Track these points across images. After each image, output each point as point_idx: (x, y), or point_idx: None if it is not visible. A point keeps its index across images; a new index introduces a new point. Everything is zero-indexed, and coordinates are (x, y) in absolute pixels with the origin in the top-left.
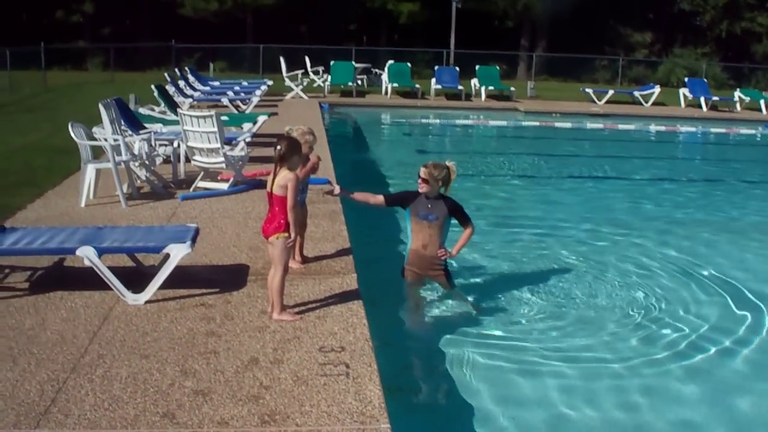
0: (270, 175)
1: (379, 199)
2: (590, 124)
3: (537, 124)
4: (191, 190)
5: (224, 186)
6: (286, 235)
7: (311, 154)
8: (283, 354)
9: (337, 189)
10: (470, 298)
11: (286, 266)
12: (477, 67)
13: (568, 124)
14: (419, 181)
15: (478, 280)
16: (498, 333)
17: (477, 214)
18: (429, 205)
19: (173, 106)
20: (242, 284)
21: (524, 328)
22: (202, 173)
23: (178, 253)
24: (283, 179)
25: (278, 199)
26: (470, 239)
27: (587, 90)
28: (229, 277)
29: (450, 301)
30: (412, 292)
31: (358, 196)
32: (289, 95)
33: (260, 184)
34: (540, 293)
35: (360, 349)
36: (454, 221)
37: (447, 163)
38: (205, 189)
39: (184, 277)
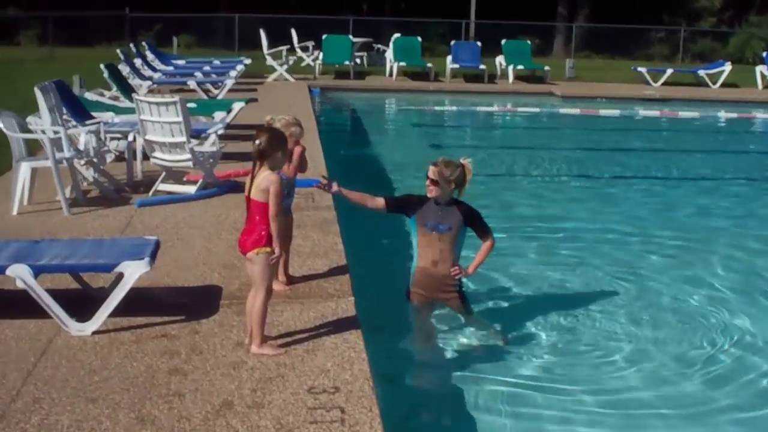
0: (248, 175)
1: (379, 202)
2: (643, 112)
3: (577, 111)
4: (150, 194)
5: (191, 189)
6: (269, 249)
7: (296, 146)
8: (263, 396)
9: (334, 186)
10: (493, 327)
11: (269, 288)
12: (503, 41)
13: (615, 112)
14: (427, 182)
15: (502, 303)
16: (528, 371)
17: (502, 223)
18: (439, 213)
19: (128, 90)
20: (213, 310)
21: (561, 364)
22: (163, 173)
23: (133, 273)
24: (264, 181)
25: (258, 205)
26: (490, 254)
27: (640, 69)
28: (198, 302)
29: (467, 330)
30: (421, 320)
31: (354, 196)
32: (272, 77)
33: (236, 187)
34: (580, 321)
35: (358, 390)
36: (470, 232)
37: (461, 160)
38: (168, 193)
39: (141, 302)
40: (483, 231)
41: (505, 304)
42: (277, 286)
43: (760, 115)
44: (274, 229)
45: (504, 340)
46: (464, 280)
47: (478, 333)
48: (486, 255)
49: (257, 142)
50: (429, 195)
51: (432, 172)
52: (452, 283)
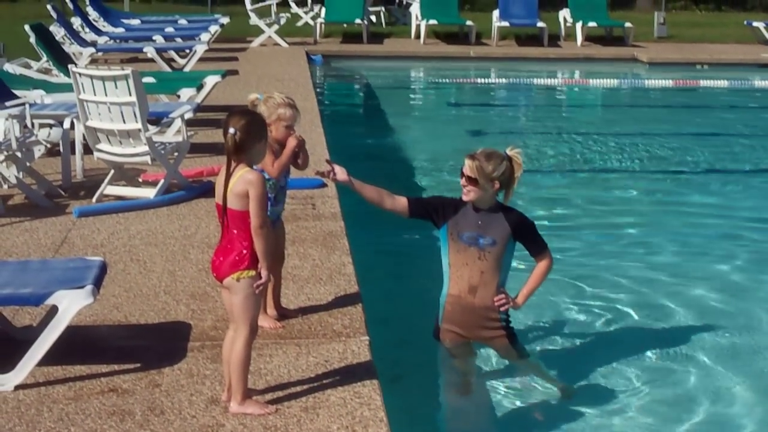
0: (219, 176)
1: (400, 202)
2: (761, 83)
3: (670, 83)
4: (94, 200)
5: (149, 193)
6: (253, 273)
7: (289, 136)
8: None
9: (340, 173)
10: (554, 374)
11: (254, 325)
12: None
13: (722, 83)
14: (462, 181)
15: (568, 343)
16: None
17: (567, 234)
18: (480, 222)
19: (63, 60)
20: (179, 356)
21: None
22: (111, 172)
23: (71, 306)
24: (242, 183)
25: (236, 216)
26: (546, 278)
27: (756, 24)
28: (158, 345)
29: (520, 379)
30: (455, 367)
31: (369, 190)
32: (257, 41)
33: (209, 190)
34: (674, 364)
35: None
36: (519, 248)
37: (507, 151)
38: (118, 198)
39: (81, 345)
40: (538, 247)
41: (572, 344)
42: (265, 322)
43: None
44: (259, 246)
45: (568, 393)
46: (512, 312)
47: (533, 381)
48: (542, 280)
49: (231, 131)
50: (465, 198)
51: (468, 167)
52: (496, 317)
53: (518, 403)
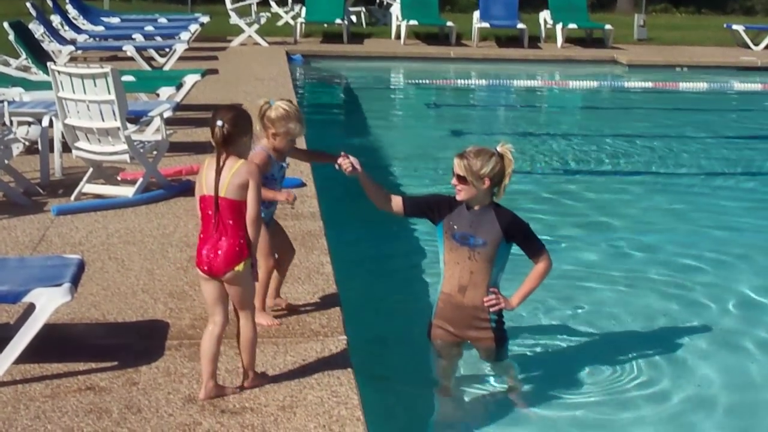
0: (203, 169)
1: (396, 202)
2: (740, 85)
3: (650, 85)
4: (72, 198)
5: (128, 192)
6: (250, 261)
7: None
8: None
9: (348, 164)
10: (519, 384)
11: (255, 307)
12: None
13: (702, 85)
14: (453, 180)
15: (549, 347)
16: None
17: (549, 235)
18: (472, 221)
19: (42, 58)
20: (156, 354)
21: None
22: (90, 171)
23: (49, 303)
24: (243, 173)
25: (234, 206)
26: (543, 279)
27: (735, 27)
28: (136, 343)
29: (495, 383)
30: (443, 365)
31: (373, 187)
32: (237, 40)
33: (189, 189)
34: (655, 378)
35: None
36: (515, 249)
37: (498, 147)
38: (96, 197)
39: (59, 343)
40: (533, 248)
41: (545, 348)
42: (263, 320)
43: None
44: (254, 234)
45: (523, 404)
46: (505, 313)
47: (507, 386)
48: (538, 282)
49: (219, 123)
50: (457, 197)
51: (458, 166)
52: (486, 317)
53: (497, 408)
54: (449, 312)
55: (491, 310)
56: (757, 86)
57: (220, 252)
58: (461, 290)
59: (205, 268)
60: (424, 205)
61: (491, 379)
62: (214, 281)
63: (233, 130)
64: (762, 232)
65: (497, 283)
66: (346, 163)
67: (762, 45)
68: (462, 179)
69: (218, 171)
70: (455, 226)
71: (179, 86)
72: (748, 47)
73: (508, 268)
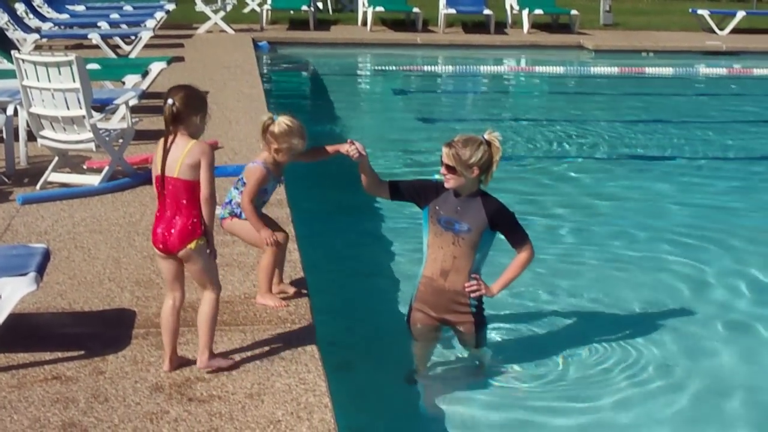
0: (158, 149)
1: (383, 187)
2: (705, 70)
3: (616, 70)
4: (38, 187)
5: (93, 180)
6: (204, 240)
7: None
8: None
9: (359, 150)
10: (504, 367)
11: (219, 284)
12: None
13: (667, 71)
14: (442, 170)
15: (519, 333)
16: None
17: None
18: (458, 207)
19: (6, 46)
20: (123, 343)
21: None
22: (55, 159)
23: (14, 293)
24: (195, 153)
25: (186, 186)
26: (525, 269)
27: (700, 12)
28: (102, 332)
29: (473, 368)
30: (420, 349)
31: (368, 173)
32: (203, 27)
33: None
34: (630, 365)
35: None
36: (500, 237)
37: (485, 135)
38: (62, 186)
39: (24, 333)
40: (517, 237)
41: (530, 333)
42: (270, 301)
43: None
44: (208, 214)
45: (498, 388)
46: (486, 299)
47: (484, 372)
48: (520, 270)
49: (170, 101)
50: (446, 185)
51: (446, 155)
52: (466, 302)
53: (470, 394)
54: (429, 296)
55: (472, 295)
56: (722, 71)
57: (173, 230)
58: (443, 274)
59: (161, 246)
60: (411, 190)
61: (464, 365)
62: (170, 259)
63: (183, 108)
64: (726, 213)
65: (479, 270)
66: (353, 149)
67: (727, 30)
68: (451, 168)
69: (166, 150)
70: (441, 211)
71: (145, 74)
72: (714, 32)
73: (491, 256)
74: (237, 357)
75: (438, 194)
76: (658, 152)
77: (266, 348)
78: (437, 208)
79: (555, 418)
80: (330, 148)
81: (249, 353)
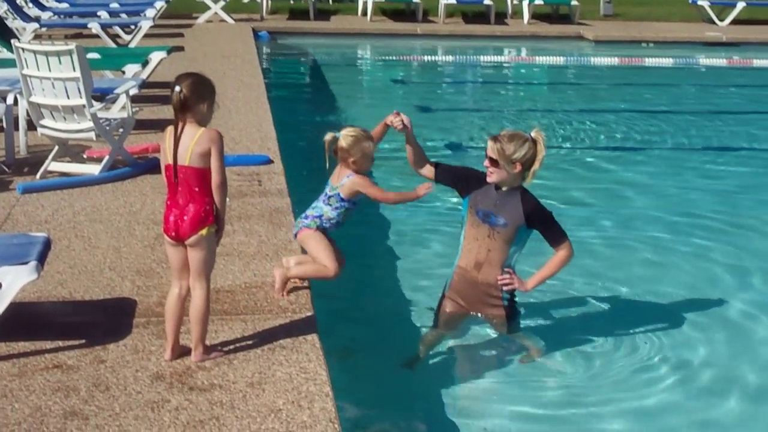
0: (166, 138)
1: (429, 167)
2: (706, 60)
3: (616, 61)
4: (38, 176)
5: (94, 170)
6: (215, 228)
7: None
8: None
9: (404, 122)
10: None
11: (210, 278)
12: None
13: (667, 61)
14: (485, 162)
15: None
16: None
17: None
18: (497, 201)
19: (6, 35)
20: (124, 332)
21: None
22: (56, 149)
23: (15, 282)
24: (204, 141)
25: (198, 174)
26: (562, 268)
27: (700, 2)
28: (103, 321)
29: (502, 350)
30: (435, 336)
31: (414, 147)
32: (203, 17)
33: (155, 166)
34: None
35: None
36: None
37: (532, 133)
38: (62, 175)
39: (25, 322)
40: (555, 237)
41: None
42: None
43: None
44: (219, 201)
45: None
46: (518, 293)
47: (518, 356)
48: (556, 269)
49: (177, 89)
50: (488, 179)
51: (491, 149)
52: (498, 295)
53: (496, 378)
54: (463, 286)
55: (505, 288)
56: (722, 61)
57: (186, 218)
58: (477, 266)
59: (172, 233)
60: (456, 176)
61: (470, 353)
62: (179, 246)
63: (191, 96)
64: (731, 204)
65: (512, 265)
66: (398, 120)
67: (727, 20)
68: (494, 162)
69: (177, 138)
70: (480, 203)
71: (145, 63)
72: (714, 23)
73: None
74: (238, 346)
75: (480, 185)
76: (659, 142)
77: (267, 337)
78: (478, 198)
79: (559, 410)
80: (379, 127)
81: (250, 342)
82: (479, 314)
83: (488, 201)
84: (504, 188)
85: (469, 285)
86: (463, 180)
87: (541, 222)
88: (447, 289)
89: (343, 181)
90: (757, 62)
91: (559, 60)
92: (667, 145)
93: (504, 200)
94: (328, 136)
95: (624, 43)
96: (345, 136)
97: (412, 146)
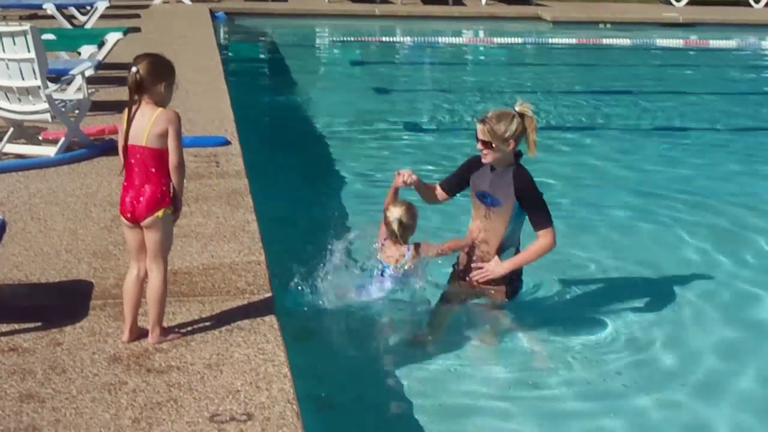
0: (123, 119)
1: (439, 192)
2: (663, 41)
3: (573, 41)
4: None
5: (49, 151)
6: (171, 210)
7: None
8: (149, 428)
9: (413, 177)
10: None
11: (167, 260)
12: None
13: (625, 42)
14: (478, 145)
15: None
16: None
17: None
18: (492, 181)
19: None
20: (81, 314)
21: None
22: (10, 130)
23: None
24: (162, 122)
25: (155, 154)
26: (541, 256)
27: None
28: (59, 303)
29: (464, 332)
30: (441, 312)
31: (423, 189)
32: None
33: (112, 148)
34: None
35: (278, 418)
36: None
37: (517, 107)
38: (17, 157)
39: None
40: (538, 219)
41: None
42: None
43: None
44: (177, 182)
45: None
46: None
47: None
48: (534, 257)
49: (133, 69)
50: (484, 161)
51: (481, 132)
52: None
53: (450, 357)
54: (467, 262)
55: (478, 279)
56: (679, 42)
57: (142, 198)
58: (477, 245)
59: (129, 215)
60: (458, 179)
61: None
62: (136, 228)
63: (147, 76)
64: (688, 182)
65: (511, 245)
66: (403, 179)
67: (684, 1)
68: (487, 144)
69: (131, 119)
70: (478, 184)
71: (101, 45)
72: (670, 3)
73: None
74: (195, 328)
75: (478, 167)
76: (617, 124)
77: (225, 318)
78: (476, 181)
79: (514, 391)
80: (392, 194)
81: (207, 324)
82: (482, 290)
83: (484, 181)
84: (499, 168)
85: (470, 262)
86: (464, 175)
87: (528, 200)
88: (456, 262)
89: (406, 256)
90: (714, 43)
91: (517, 41)
92: (623, 125)
93: (498, 179)
94: (392, 217)
95: (582, 24)
96: (405, 215)
97: (421, 189)
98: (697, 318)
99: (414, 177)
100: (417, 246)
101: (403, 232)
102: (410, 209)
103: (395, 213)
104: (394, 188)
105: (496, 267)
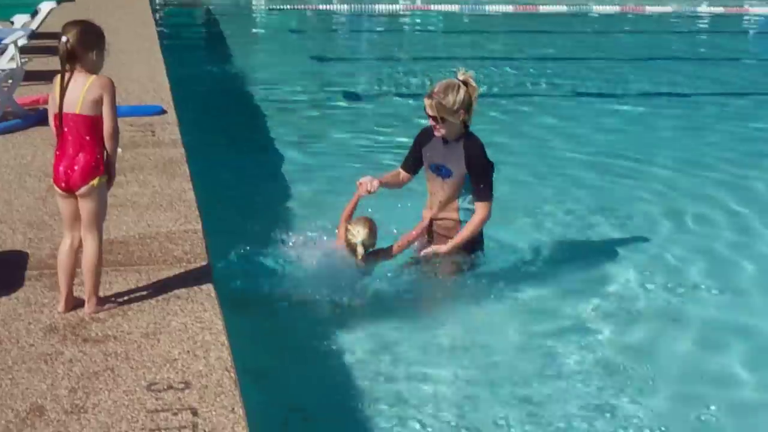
0: (54, 87)
1: (403, 176)
2: (599, 8)
3: (510, 9)
4: None
5: None
6: (105, 178)
7: None
8: (86, 398)
9: (374, 184)
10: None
11: (102, 228)
12: None
13: (561, 8)
14: (430, 121)
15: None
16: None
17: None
18: (444, 152)
19: None
20: (16, 284)
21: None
22: None
23: None
24: (96, 88)
25: (89, 122)
26: (478, 230)
27: None
28: None
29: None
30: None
31: (389, 182)
32: None
33: (45, 119)
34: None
35: (215, 385)
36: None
37: (459, 76)
38: None
39: None
40: (480, 190)
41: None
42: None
43: (755, 9)
44: (111, 149)
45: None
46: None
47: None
48: (469, 234)
49: (63, 39)
50: (437, 134)
51: (429, 107)
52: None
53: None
54: (427, 235)
55: (426, 260)
56: (615, 8)
57: (76, 167)
58: (435, 216)
59: (63, 184)
60: (414, 156)
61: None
62: (71, 198)
63: (78, 45)
64: (627, 145)
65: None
66: (365, 189)
67: None
68: (437, 119)
69: (63, 87)
70: (430, 157)
71: (34, 13)
72: None
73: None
74: (132, 297)
75: (429, 139)
76: (551, 89)
77: (162, 287)
78: (428, 154)
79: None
80: (351, 205)
81: (144, 293)
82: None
83: (437, 154)
84: (450, 138)
85: (430, 233)
86: (418, 150)
87: (474, 169)
88: (416, 229)
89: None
90: (650, 9)
91: (454, 8)
92: (560, 91)
93: (450, 150)
94: (358, 247)
95: None
96: (367, 238)
97: (389, 186)
98: (647, 281)
99: (375, 183)
100: (377, 254)
101: (364, 252)
102: (371, 229)
103: (358, 236)
104: (357, 198)
105: (438, 250)
